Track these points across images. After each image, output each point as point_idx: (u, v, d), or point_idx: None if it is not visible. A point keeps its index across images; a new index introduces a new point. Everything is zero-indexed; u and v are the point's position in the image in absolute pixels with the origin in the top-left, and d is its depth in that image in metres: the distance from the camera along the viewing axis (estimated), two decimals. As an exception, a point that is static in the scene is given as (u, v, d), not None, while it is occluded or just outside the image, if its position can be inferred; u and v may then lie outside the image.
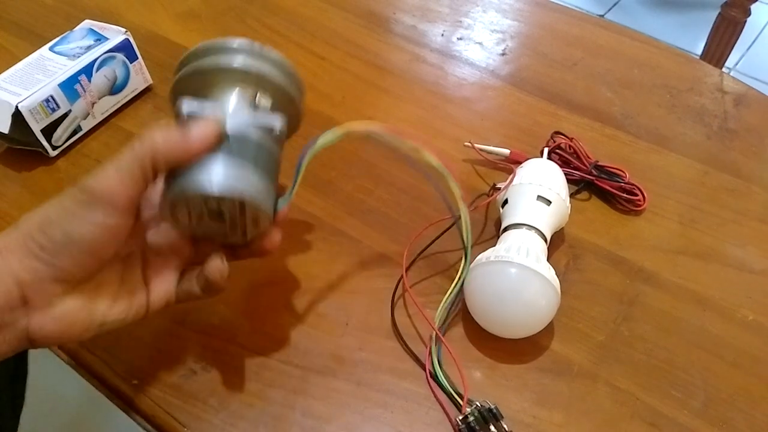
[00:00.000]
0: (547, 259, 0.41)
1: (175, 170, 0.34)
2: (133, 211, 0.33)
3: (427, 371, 0.40)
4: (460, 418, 0.37)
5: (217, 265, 0.35)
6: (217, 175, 0.33)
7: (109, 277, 0.35)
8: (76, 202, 0.32)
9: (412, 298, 0.44)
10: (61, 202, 0.32)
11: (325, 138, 0.37)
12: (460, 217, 0.43)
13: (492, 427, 0.37)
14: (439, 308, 0.42)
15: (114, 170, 0.32)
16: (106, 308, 0.34)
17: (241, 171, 0.34)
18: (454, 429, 0.38)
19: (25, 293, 0.31)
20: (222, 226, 0.36)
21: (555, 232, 0.46)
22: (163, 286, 0.37)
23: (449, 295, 0.43)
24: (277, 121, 0.36)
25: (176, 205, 0.34)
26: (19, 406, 0.59)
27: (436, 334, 0.41)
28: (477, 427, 0.37)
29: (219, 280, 0.35)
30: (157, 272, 0.37)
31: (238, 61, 0.37)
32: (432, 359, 0.40)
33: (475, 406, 0.38)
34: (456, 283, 0.43)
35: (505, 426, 0.37)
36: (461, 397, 0.38)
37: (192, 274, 0.37)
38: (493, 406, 0.38)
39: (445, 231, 0.47)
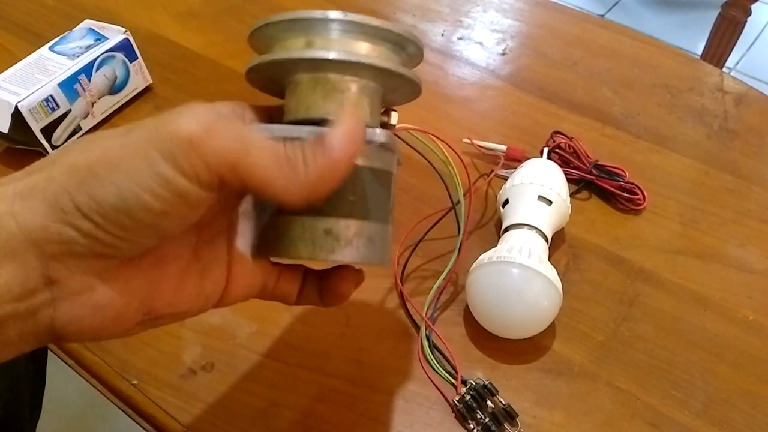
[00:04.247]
0: (548, 259, 0.41)
1: None
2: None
3: (419, 353, 0.40)
4: (457, 399, 0.38)
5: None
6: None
7: (177, 249, 0.25)
8: (143, 153, 0.21)
9: (403, 295, 0.44)
10: (123, 145, 0.22)
11: None
12: (458, 202, 0.42)
13: (489, 402, 0.38)
14: (432, 289, 0.43)
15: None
16: (167, 295, 0.24)
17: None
18: (451, 408, 0.38)
19: (51, 271, 0.22)
20: None
21: (555, 232, 0.46)
22: (255, 275, 0.28)
23: (443, 277, 0.43)
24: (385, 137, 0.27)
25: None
26: (38, 411, 0.58)
27: (426, 321, 0.41)
28: (474, 405, 0.37)
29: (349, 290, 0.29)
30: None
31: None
32: (422, 343, 0.41)
33: (470, 384, 0.39)
34: (450, 264, 0.43)
35: (501, 400, 0.38)
36: (455, 378, 0.39)
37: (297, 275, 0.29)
38: (487, 382, 0.38)
39: (440, 219, 0.46)
